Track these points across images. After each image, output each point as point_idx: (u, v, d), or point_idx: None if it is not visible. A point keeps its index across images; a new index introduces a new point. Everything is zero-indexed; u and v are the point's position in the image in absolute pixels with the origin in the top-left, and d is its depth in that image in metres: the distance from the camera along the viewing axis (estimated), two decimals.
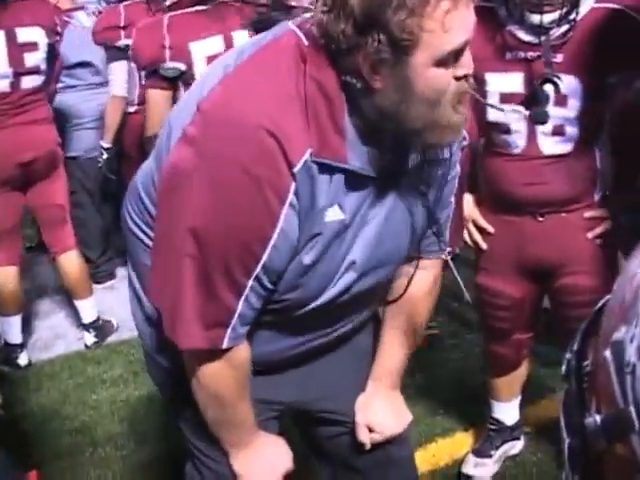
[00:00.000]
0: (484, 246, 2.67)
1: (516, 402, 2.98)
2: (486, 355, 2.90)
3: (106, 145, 4.61)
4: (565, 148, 2.44)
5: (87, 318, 4.32)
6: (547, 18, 2.31)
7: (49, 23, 4.06)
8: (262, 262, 1.47)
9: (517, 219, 2.56)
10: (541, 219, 2.53)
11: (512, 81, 2.41)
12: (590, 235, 2.53)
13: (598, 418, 0.62)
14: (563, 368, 0.73)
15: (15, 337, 4.15)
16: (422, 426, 3.19)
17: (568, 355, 0.72)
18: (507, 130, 2.47)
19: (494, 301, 2.70)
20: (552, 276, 2.61)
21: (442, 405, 3.40)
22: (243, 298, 1.50)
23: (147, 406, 3.61)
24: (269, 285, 1.52)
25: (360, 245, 1.58)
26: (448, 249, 1.80)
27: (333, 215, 1.49)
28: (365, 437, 1.88)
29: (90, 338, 4.32)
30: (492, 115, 2.47)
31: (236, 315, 1.52)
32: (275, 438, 1.83)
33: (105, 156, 4.62)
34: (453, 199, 1.74)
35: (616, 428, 0.60)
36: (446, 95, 1.41)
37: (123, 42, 4.32)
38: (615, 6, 2.33)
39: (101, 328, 4.33)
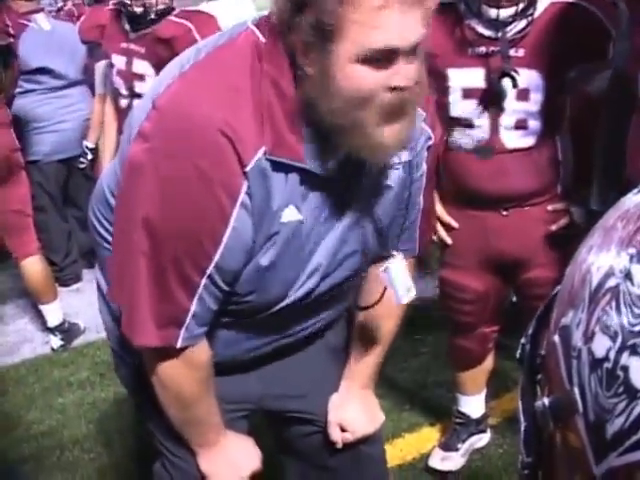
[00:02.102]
0: (449, 241, 2.69)
1: (482, 395, 3.01)
2: (451, 349, 2.91)
3: (91, 145, 4.60)
4: (528, 142, 2.47)
5: (53, 321, 4.29)
6: (504, 13, 2.34)
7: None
8: (215, 261, 1.46)
9: (481, 213, 2.58)
10: (505, 213, 2.55)
11: (473, 76, 2.44)
12: (553, 227, 2.55)
13: (546, 401, 0.63)
14: (518, 352, 0.74)
15: None
16: (389, 421, 3.17)
17: (523, 340, 0.73)
18: (470, 125, 2.49)
19: (458, 295, 2.72)
20: (516, 269, 2.64)
21: (408, 400, 3.42)
22: (197, 297, 1.50)
23: (114, 408, 3.59)
24: (223, 285, 1.52)
25: (324, 249, 1.58)
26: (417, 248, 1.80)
27: (290, 216, 1.49)
28: (337, 436, 1.89)
29: (56, 341, 4.29)
30: (454, 110, 2.49)
31: (190, 315, 1.51)
32: (243, 438, 1.82)
33: (90, 157, 4.59)
34: (421, 198, 1.73)
35: (562, 410, 0.61)
36: (371, 101, 1.38)
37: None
38: (573, 0, 2.37)
39: (67, 331, 4.30)
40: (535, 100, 2.42)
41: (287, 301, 1.61)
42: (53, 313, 4.29)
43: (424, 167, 1.69)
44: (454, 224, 2.66)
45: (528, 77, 2.39)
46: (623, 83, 2.29)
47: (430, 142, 1.68)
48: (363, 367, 1.89)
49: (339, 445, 1.89)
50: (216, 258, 1.46)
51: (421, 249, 1.81)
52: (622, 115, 2.29)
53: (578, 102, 2.50)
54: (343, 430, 1.89)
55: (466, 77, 2.45)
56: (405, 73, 1.37)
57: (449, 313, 2.82)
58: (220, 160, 1.40)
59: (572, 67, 2.42)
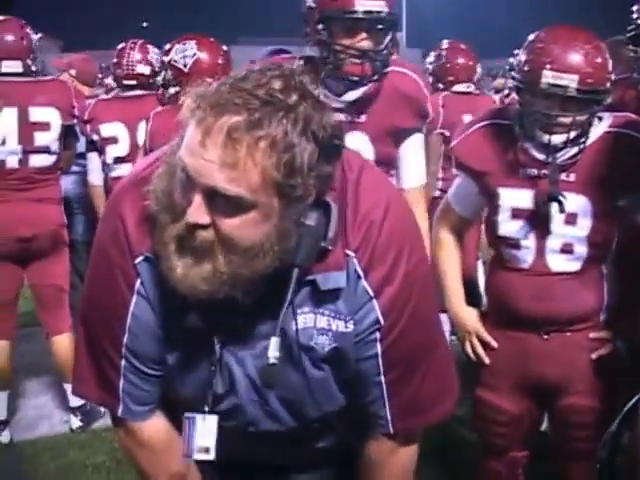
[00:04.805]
0: (487, 361, 2.65)
1: None
2: (481, 472, 2.83)
3: None
4: (573, 266, 2.46)
5: (74, 401, 4.22)
6: (556, 139, 2.36)
7: (66, 105, 4.12)
8: (125, 344, 1.53)
9: (522, 335, 2.55)
10: (546, 337, 2.52)
11: (523, 197, 2.45)
12: (594, 356, 2.51)
13: None
14: (597, 466, 0.74)
15: None
16: None
17: (603, 454, 0.73)
18: (516, 245, 2.49)
19: (493, 416, 2.66)
20: (554, 395, 2.59)
21: None
22: (122, 376, 1.56)
23: None
24: (145, 369, 1.56)
25: (241, 381, 1.55)
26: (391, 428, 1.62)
27: (192, 322, 1.46)
28: None
29: (76, 422, 4.24)
30: (502, 230, 2.50)
31: (120, 390, 1.57)
32: None
33: None
34: (383, 379, 1.56)
35: None
36: (177, 219, 1.34)
37: (89, 136, 4.38)
38: (627, 131, 2.40)
39: (88, 413, 4.25)
40: (583, 225, 2.42)
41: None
42: None
43: (377, 349, 1.53)
44: (494, 344, 2.63)
45: (577, 202, 2.39)
46: None
47: (378, 326, 1.51)
48: None
49: None
50: (125, 340, 1.53)
51: (400, 431, 1.63)
52: None
53: (627, 232, 2.49)
54: None
55: (516, 197, 2.46)
56: (195, 211, 1.31)
57: (482, 434, 2.75)
58: (117, 246, 1.48)
59: (622, 196, 2.42)
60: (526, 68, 2.37)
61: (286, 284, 1.40)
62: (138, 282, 1.49)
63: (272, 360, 1.40)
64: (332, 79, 2.59)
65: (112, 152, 4.35)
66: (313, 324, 1.49)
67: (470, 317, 2.70)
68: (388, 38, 2.56)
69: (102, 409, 4.26)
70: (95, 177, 4.46)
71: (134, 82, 4.47)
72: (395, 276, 1.48)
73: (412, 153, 2.79)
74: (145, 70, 4.44)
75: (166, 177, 1.38)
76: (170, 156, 1.39)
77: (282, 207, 1.32)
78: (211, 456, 1.58)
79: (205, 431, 1.57)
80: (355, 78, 2.55)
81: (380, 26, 2.55)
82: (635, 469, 0.64)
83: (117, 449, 3.90)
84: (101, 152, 4.37)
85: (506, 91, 7.47)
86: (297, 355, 1.50)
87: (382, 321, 1.50)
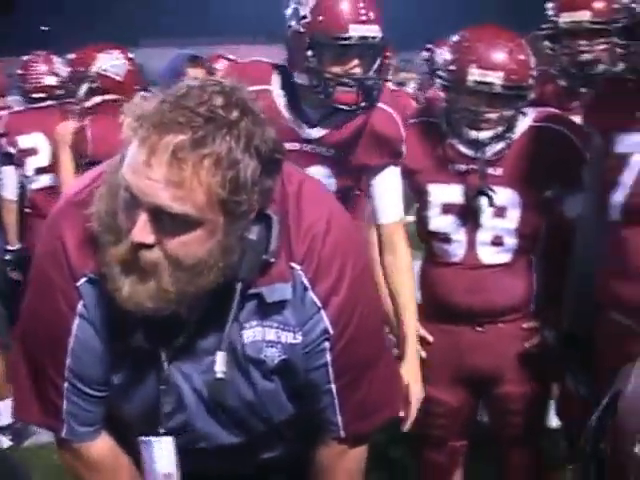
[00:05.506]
0: (423, 355, 2.68)
1: None
2: (422, 463, 2.88)
3: (9, 247, 4.50)
4: (503, 258, 2.53)
5: (3, 420, 4.13)
6: (483, 135, 2.43)
7: None
8: (67, 366, 1.51)
9: (456, 328, 2.61)
10: (479, 329, 2.59)
11: (452, 192, 2.51)
12: (526, 345, 2.59)
13: None
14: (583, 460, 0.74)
15: None
16: None
17: (587, 449, 0.73)
18: (447, 239, 2.54)
19: (431, 409, 2.69)
20: (489, 384, 2.65)
21: None
22: (65, 397, 1.54)
23: None
24: (89, 390, 1.55)
25: (189, 397, 1.55)
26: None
27: (137, 341, 1.46)
28: None
29: (5, 441, 4.13)
30: (433, 225, 2.55)
31: (63, 412, 1.55)
32: None
33: (7, 257, 4.48)
34: (333, 387, 1.58)
35: None
36: (120, 237, 1.34)
37: (4, 149, 4.30)
38: (551, 125, 2.48)
39: (19, 431, 4.15)
40: (512, 218, 2.49)
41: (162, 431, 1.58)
42: (4, 412, 4.13)
43: (327, 358, 1.55)
44: (429, 338, 2.67)
45: (505, 195, 2.46)
46: (595, 208, 2.35)
47: (327, 336, 1.53)
48: None
49: None
50: (67, 364, 1.51)
51: (351, 434, 1.65)
52: (593, 239, 2.34)
53: (553, 222, 2.57)
54: None
55: (446, 193, 2.52)
56: (139, 231, 1.30)
57: (420, 426, 2.78)
58: (58, 268, 1.46)
59: (548, 188, 2.50)
60: (452, 67, 2.43)
61: (230, 298, 1.41)
62: (80, 304, 1.47)
63: (219, 375, 1.42)
64: (312, 108, 2.41)
65: (32, 163, 4.27)
66: (262, 337, 1.50)
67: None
68: (378, 62, 2.35)
69: (34, 426, 4.17)
70: (9, 192, 4.36)
71: (43, 94, 4.41)
72: (341, 286, 1.51)
73: (384, 187, 2.52)
74: (52, 81, 4.40)
75: (108, 197, 1.37)
76: (111, 175, 1.38)
77: (227, 223, 1.33)
78: None
79: (164, 455, 1.57)
80: (347, 107, 2.33)
81: (371, 50, 2.34)
82: (618, 455, 0.65)
83: (52, 467, 3.81)
84: (19, 165, 4.27)
85: (412, 84, 7.59)
86: (245, 368, 1.51)
87: (331, 331, 1.52)
